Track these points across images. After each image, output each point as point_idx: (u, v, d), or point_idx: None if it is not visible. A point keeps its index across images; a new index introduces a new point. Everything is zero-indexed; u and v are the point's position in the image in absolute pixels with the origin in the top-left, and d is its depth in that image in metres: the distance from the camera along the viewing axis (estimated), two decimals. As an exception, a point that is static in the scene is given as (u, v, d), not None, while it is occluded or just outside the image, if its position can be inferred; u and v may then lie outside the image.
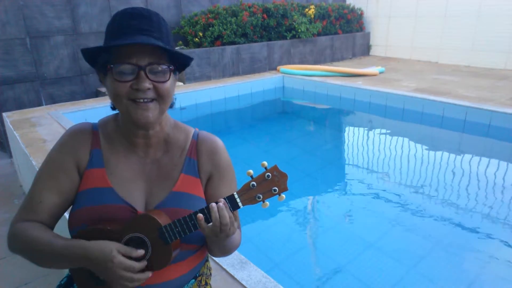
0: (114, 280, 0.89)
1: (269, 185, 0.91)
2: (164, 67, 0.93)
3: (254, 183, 0.91)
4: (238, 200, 0.92)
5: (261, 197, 0.92)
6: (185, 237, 0.97)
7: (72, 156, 1.01)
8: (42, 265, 0.97)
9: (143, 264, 0.91)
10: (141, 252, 0.91)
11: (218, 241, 0.96)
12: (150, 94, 0.92)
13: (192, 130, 1.10)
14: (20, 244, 0.96)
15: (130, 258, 0.90)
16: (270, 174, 0.91)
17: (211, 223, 0.91)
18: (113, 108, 1.03)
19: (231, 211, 0.92)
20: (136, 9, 0.93)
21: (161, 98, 0.94)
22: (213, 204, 0.90)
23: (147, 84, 0.90)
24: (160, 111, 0.96)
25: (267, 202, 0.93)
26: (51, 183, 0.99)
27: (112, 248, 0.88)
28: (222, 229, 0.90)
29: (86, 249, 0.89)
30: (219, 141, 1.10)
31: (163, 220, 0.94)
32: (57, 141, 1.04)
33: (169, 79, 0.94)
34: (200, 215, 0.90)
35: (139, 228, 0.93)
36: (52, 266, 0.96)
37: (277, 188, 0.91)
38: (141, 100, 0.92)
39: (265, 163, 0.91)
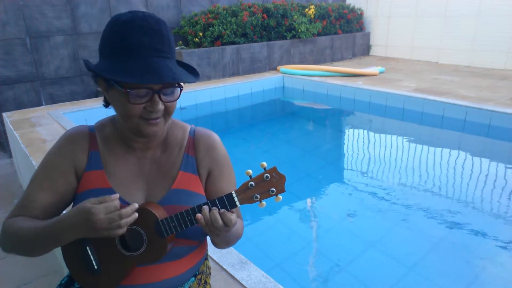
0: (105, 230, 0.87)
1: (267, 185, 0.92)
2: (176, 88, 0.94)
3: (252, 183, 0.92)
4: (236, 199, 0.93)
5: (259, 197, 0.93)
6: (185, 232, 0.99)
7: (70, 159, 1.01)
8: (33, 253, 0.97)
9: (116, 197, 0.88)
10: (115, 196, 0.89)
11: (219, 236, 0.98)
12: (161, 113, 0.94)
13: (188, 127, 1.11)
14: (9, 238, 0.97)
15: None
16: (269, 175, 0.92)
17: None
18: (106, 106, 1.03)
19: (228, 209, 0.93)
20: (146, 21, 0.88)
21: (168, 114, 0.96)
22: (205, 206, 0.93)
23: (161, 106, 0.92)
24: (166, 123, 0.99)
25: (264, 202, 0.94)
26: (46, 184, 1.00)
27: (85, 203, 0.88)
28: (217, 228, 0.93)
29: (65, 218, 0.90)
30: (215, 136, 1.11)
31: (160, 213, 0.95)
32: (55, 144, 1.05)
33: (179, 96, 0.96)
34: (199, 215, 0.92)
35: (135, 221, 0.94)
36: (42, 250, 0.96)
37: (274, 189, 0.92)
38: (153, 119, 0.93)
39: (265, 164, 0.92)
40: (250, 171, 0.92)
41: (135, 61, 0.87)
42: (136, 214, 0.91)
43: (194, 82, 0.96)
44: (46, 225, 0.92)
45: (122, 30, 0.88)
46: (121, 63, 0.87)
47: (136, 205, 0.91)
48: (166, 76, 0.86)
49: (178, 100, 0.97)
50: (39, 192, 1.00)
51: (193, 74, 0.99)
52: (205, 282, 1.16)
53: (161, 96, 0.91)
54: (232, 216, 0.93)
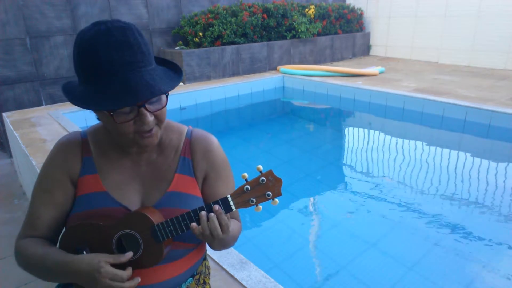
0: None
1: (263, 189, 0.92)
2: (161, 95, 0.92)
3: (248, 186, 0.92)
4: (231, 203, 0.92)
5: (255, 201, 0.92)
6: (182, 235, 0.98)
7: (64, 168, 1.00)
8: (46, 280, 0.98)
9: (129, 272, 0.91)
10: (129, 254, 0.91)
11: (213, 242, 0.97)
12: (153, 123, 0.92)
13: (185, 129, 1.10)
14: (22, 261, 0.99)
15: (119, 265, 0.90)
16: (264, 178, 0.91)
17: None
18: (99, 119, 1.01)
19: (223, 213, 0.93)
20: (111, 35, 0.83)
21: (161, 122, 0.95)
22: (203, 213, 0.92)
23: (149, 117, 0.89)
24: (160, 129, 0.97)
25: (260, 206, 0.93)
26: (46, 198, 1.00)
27: (100, 259, 0.88)
28: (213, 235, 0.92)
29: (74, 264, 0.90)
30: (213, 139, 1.10)
31: (156, 218, 0.95)
32: (48, 155, 1.04)
33: (166, 102, 0.93)
34: (194, 224, 0.91)
35: (131, 225, 0.94)
36: (53, 280, 0.98)
37: (270, 193, 0.92)
38: (146, 132, 0.92)
39: (260, 167, 0.91)
40: (245, 174, 0.91)
41: (109, 82, 0.83)
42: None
43: (176, 86, 0.92)
44: (55, 263, 0.92)
45: (88, 51, 0.84)
46: (96, 88, 0.84)
47: (138, 280, 0.91)
48: (143, 92, 0.83)
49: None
50: (41, 207, 1.00)
51: (175, 71, 0.96)
52: (204, 282, 1.16)
53: (147, 107, 0.89)
54: (228, 221, 0.92)
